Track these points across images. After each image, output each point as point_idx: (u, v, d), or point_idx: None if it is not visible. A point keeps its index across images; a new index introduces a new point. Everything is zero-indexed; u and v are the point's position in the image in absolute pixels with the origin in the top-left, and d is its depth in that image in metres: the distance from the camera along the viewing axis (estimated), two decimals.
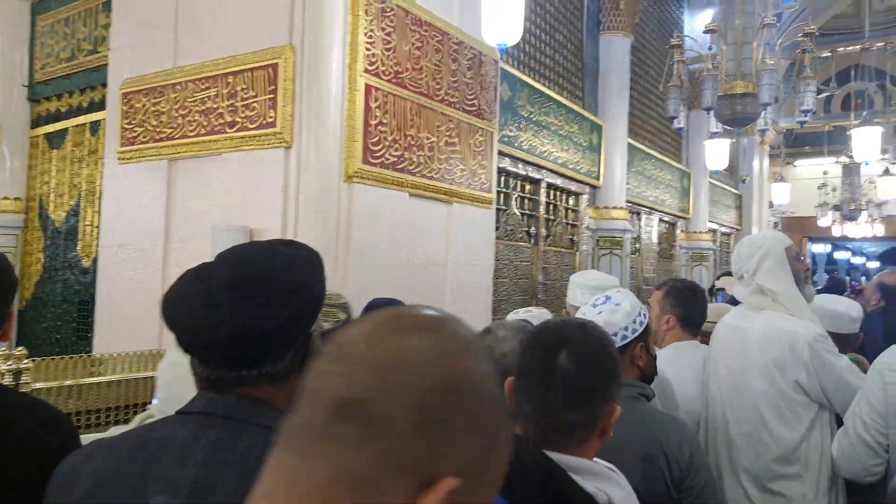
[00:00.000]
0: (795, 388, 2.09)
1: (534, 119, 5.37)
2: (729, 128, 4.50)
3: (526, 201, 5.57)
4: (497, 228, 5.11)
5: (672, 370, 2.27)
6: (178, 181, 3.82)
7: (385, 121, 3.57)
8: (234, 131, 3.53)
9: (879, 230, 14.43)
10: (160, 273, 3.82)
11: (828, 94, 9.44)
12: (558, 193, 6.05)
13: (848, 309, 2.76)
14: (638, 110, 7.59)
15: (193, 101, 3.71)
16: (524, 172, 5.38)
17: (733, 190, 11.44)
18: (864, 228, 14.37)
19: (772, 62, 4.14)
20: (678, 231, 9.15)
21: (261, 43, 3.46)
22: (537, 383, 1.17)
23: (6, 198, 5.18)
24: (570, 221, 6.25)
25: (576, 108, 6.06)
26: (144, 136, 3.92)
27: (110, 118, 4.20)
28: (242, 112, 3.51)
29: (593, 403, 1.16)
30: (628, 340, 1.77)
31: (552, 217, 5.94)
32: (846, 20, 11.96)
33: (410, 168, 3.75)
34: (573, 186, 6.17)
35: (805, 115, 4.33)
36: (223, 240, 3.38)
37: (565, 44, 6.09)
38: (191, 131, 3.70)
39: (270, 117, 3.39)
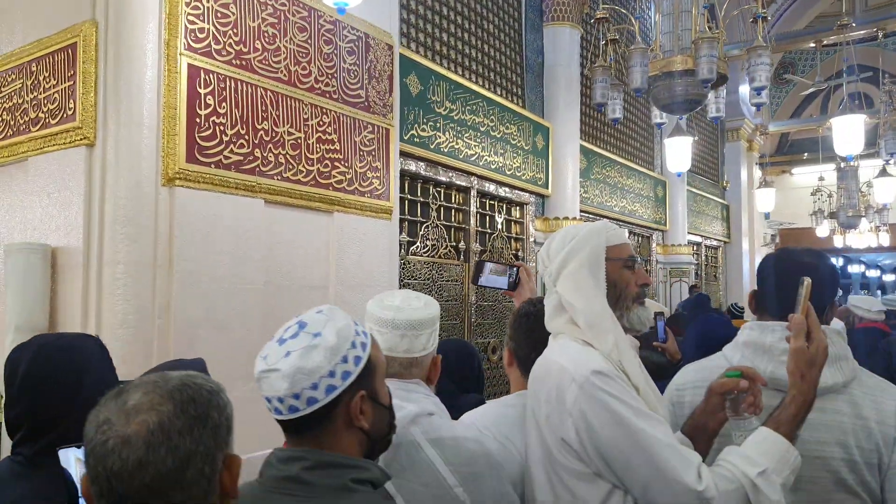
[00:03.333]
0: (564, 451, 1.37)
1: (455, 118, 4.70)
2: (668, 113, 3.81)
3: (453, 212, 4.87)
4: (413, 244, 4.41)
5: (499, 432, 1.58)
6: None
7: (222, 111, 2.90)
8: (37, 129, 2.87)
9: (885, 239, 13.60)
10: None
11: (814, 90, 8.74)
12: (495, 203, 5.35)
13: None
14: (596, 111, 6.90)
15: (2, 98, 3.06)
16: (446, 179, 4.69)
17: (719, 200, 10.71)
18: (869, 238, 13.55)
19: (714, 31, 3.45)
20: (654, 244, 8.41)
21: (63, 21, 2.81)
22: None
23: None
24: (514, 235, 5.54)
25: (512, 106, 5.38)
26: None
27: None
28: (45, 106, 2.85)
29: None
30: (339, 391, 1.10)
31: (488, 230, 5.24)
32: (831, 19, 11.32)
33: (265, 170, 3.07)
34: (514, 195, 5.47)
35: (758, 94, 3.62)
36: (15, 262, 2.70)
37: (498, 35, 5.43)
38: (1, 134, 3.05)
39: (70, 109, 2.73)
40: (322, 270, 3.38)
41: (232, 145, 2.93)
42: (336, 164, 3.42)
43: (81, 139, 2.69)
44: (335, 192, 3.41)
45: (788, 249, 1.71)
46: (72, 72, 2.73)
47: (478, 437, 1.48)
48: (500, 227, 5.35)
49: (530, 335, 1.69)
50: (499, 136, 5.19)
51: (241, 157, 2.97)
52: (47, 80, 2.84)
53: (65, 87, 2.76)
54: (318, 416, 1.09)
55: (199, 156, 2.81)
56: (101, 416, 0.86)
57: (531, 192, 5.65)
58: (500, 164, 5.19)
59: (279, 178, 3.13)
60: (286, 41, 3.19)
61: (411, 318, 1.53)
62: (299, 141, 3.23)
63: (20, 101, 2.97)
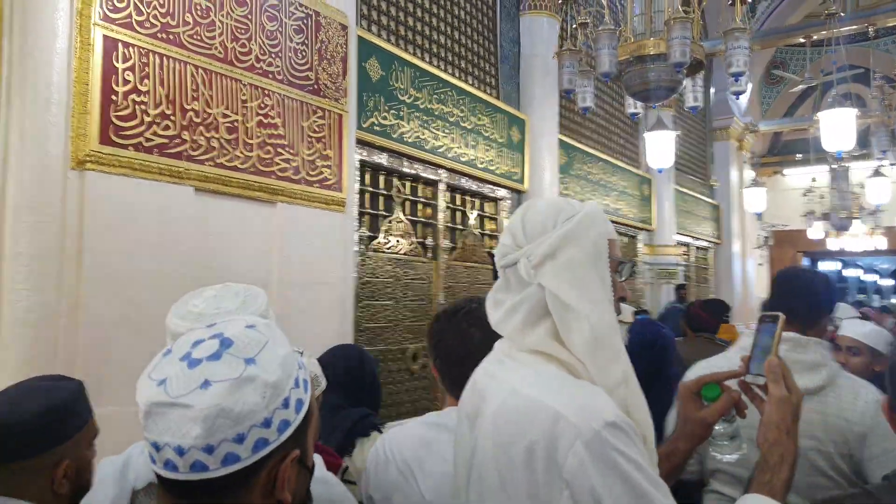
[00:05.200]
0: None
1: (421, 106, 4.43)
2: (641, 102, 3.55)
3: (419, 206, 4.60)
4: (373, 239, 4.15)
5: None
6: None
7: (144, 89, 2.63)
8: None
9: (881, 243, 13.33)
10: None
11: (804, 86, 8.51)
12: (466, 198, 5.08)
13: None
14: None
15: None
16: (412, 171, 4.43)
17: (708, 200, 10.47)
18: (864, 241, 13.29)
19: (688, 12, 3.19)
20: (639, 245, 8.16)
21: None
22: None
23: None
24: (487, 231, 5.27)
25: (485, 97, 5.12)
26: None
27: None
28: None
29: None
30: (270, 449, 0.80)
31: (459, 226, 4.97)
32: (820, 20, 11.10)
33: (195, 154, 2.80)
34: (487, 190, 5.21)
35: (736, 81, 3.36)
36: None
37: (470, 22, 5.18)
38: None
39: None
40: (264, 266, 3.11)
41: (155, 126, 2.66)
42: (280, 150, 3.15)
43: None
44: (278, 182, 3.14)
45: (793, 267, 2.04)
46: None
47: (325, 478, 1.21)
48: (472, 222, 5.08)
49: (452, 347, 1.42)
50: (470, 127, 4.92)
51: (167, 140, 2.70)
52: None
53: None
54: (232, 480, 0.78)
55: (115, 137, 2.54)
56: None
57: (506, 188, 5.38)
58: (472, 157, 4.93)
59: (212, 163, 2.86)
60: (222, 15, 2.93)
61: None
62: (236, 124, 2.96)
63: None
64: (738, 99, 9.00)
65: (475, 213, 5.14)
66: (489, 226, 5.32)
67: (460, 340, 1.42)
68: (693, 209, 9.74)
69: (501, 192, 5.36)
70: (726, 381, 1.22)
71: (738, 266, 10.84)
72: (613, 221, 7.26)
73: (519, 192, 5.53)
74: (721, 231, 10.79)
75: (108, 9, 2.52)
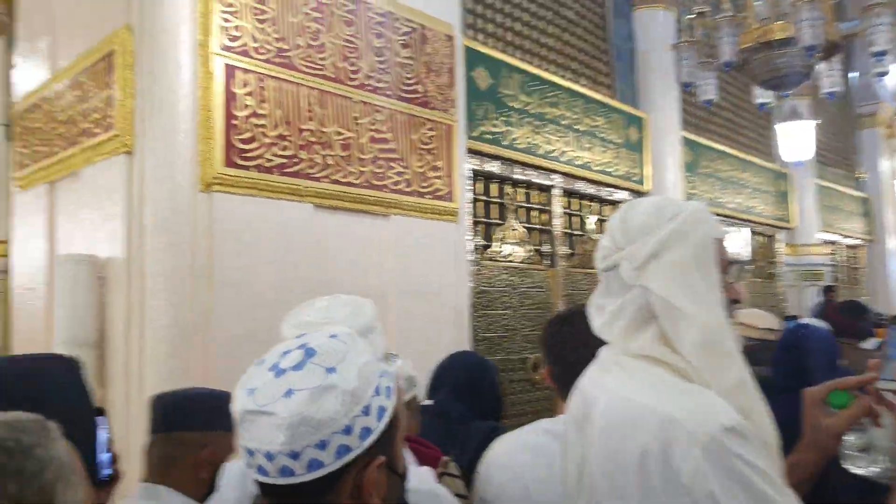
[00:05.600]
0: None
1: (532, 112, 4.37)
2: (771, 91, 3.28)
3: (534, 213, 4.53)
4: (487, 247, 4.12)
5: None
6: (53, 206, 3.19)
7: (263, 112, 2.76)
8: (86, 140, 2.86)
9: None
10: None
11: None
12: (583, 202, 4.93)
13: None
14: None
15: (56, 112, 3.10)
16: (524, 177, 4.36)
17: (857, 193, 9.57)
18: None
19: None
20: (778, 244, 7.58)
21: (103, 30, 2.79)
22: None
23: None
24: None
25: (599, 97, 4.96)
26: (28, 160, 3.36)
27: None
28: (91, 116, 2.84)
29: None
30: (353, 455, 0.81)
31: (577, 232, 4.83)
32: None
33: (312, 172, 2.90)
34: (605, 193, 5.03)
35: (879, 61, 3.02)
36: (63, 274, 2.69)
37: (580, 22, 5.04)
38: (60, 147, 3.08)
39: (110, 118, 2.69)
40: (379, 278, 3.16)
41: (274, 147, 2.78)
42: (391, 164, 3.20)
43: (121, 147, 2.63)
44: (392, 194, 3.19)
45: None
46: (111, 80, 2.70)
47: (435, 491, 1.18)
48: (590, 227, 4.93)
49: (570, 349, 1.36)
50: (584, 129, 4.79)
51: (285, 160, 2.81)
52: (92, 90, 2.83)
53: (106, 96, 2.73)
54: (318, 486, 0.80)
55: (238, 159, 2.68)
56: None
57: (626, 189, 5.18)
58: (588, 160, 4.79)
59: (328, 180, 2.95)
60: (331, 36, 3.02)
61: None
62: (349, 141, 3.04)
63: (73, 114, 2.98)
64: (883, 81, 8.17)
65: (593, 217, 4.98)
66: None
67: (575, 345, 1.36)
68: (839, 204, 8.94)
69: (621, 195, 5.16)
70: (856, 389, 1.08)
71: (893, 265, 9.81)
72: (747, 220, 6.82)
73: (640, 193, 5.30)
74: (873, 227, 9.82)
75: (227, 38, 2.67)
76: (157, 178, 2.57)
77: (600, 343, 1.13)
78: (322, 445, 0.79)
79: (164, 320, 2.52)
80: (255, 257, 2.70)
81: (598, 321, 1.09)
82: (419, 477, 1.17)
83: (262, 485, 0.83)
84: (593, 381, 1.09)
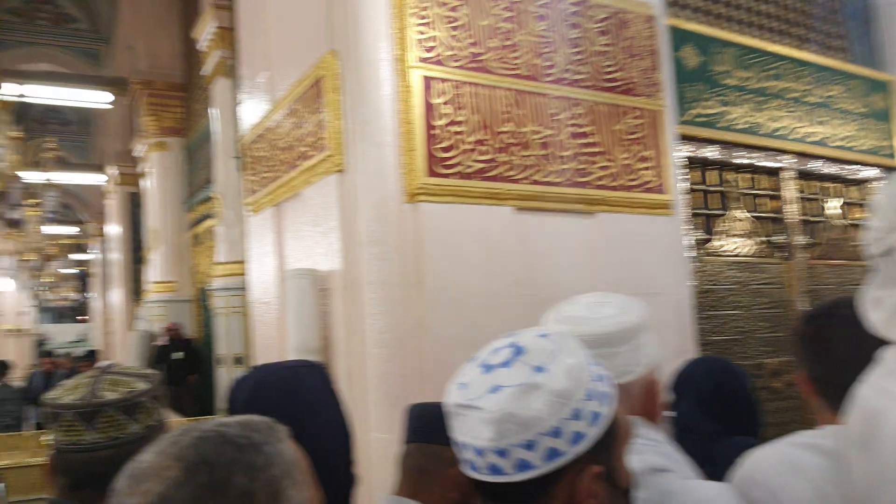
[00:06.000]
0: None
1: (751, 88, 3.92)
2: None
3: (762, 200, 4.05)
4: (708, 241, 3.75)
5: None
6: (280, 226, 3.48)
7: (460, 118, 2.76)
8: (303, 163, 3.09)
9: None
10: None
11: None
12: (822, 184, 4.32)
13: None
14: None
15: (277, 140, 3.39)
16: (747, 161, 3.92)
17: None
18: None
19: None
20: None
21: (312, 57, 2.99)
22: None
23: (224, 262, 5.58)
24: (854, 220, 4.41)
25: (832, 63, 4.32)
26: (257, 185, 3.72)
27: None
28: (306, 140, 3.06)
29: None
30: (564, 460, 0.79)
31: (817, 218, 4.24)
32: None
33: (511, 175, 2.84)
34: (848, 172, 4.37)
35: None
36: (290, 288, 2.91)
37: None
38: (282, 171, 3.36)
39: (322, 139, 2.87)
40: (587, 278, 3.00)
41: (473, 153, 2.77)
42: (594, 158, 3.04)
43: (333, 167, 2.79)
44: (596, 191, 3.03)
45: None
46: (320, 104, 2.87)
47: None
48: (833, 212, 4.30)
49: (837, 349, 1.12)
50: (816, 101, 4.20)
51: (484, 165, 2.79)
52: (306, 115, 3.04)
53: (317, 120, 2.91)
54: (529, 488, 0.79)
55: (439, 168, 2.70)
56: (119, 482, 0.67)
57: (874, 166, 4.45)
58: (823, 136, 4.19)
59: (528, 181, 2.87)
60: (524, 34, 2.95)
61: (600, 330, 1.14)
62: (548, 139, 2.94)
63: (291, 140, 3.23)
64: None
65: (837, 200, 4.34)
66: (856, 214, 4.45)
67: (844, 345, 1.13)
68: None
69: (868, 172, 4.45)
70: None
71: None
72: None
73: (892, 169, 4.53)
74: None
75: (422, 51, 2.72)
76: (366, 193, 2.68)
77: (879, 342, 0.92)
78: (529, 446, 0.77)
79: (379, 326, 2.61)
80: (461, 263, 2.69)
81: (877, 316, 0.89)
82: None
83: (475, 482, 0.83)
84: (878, 389, 0.88)
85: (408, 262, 2.64)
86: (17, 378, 9.35)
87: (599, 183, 3.04)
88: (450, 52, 2.78)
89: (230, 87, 5.77)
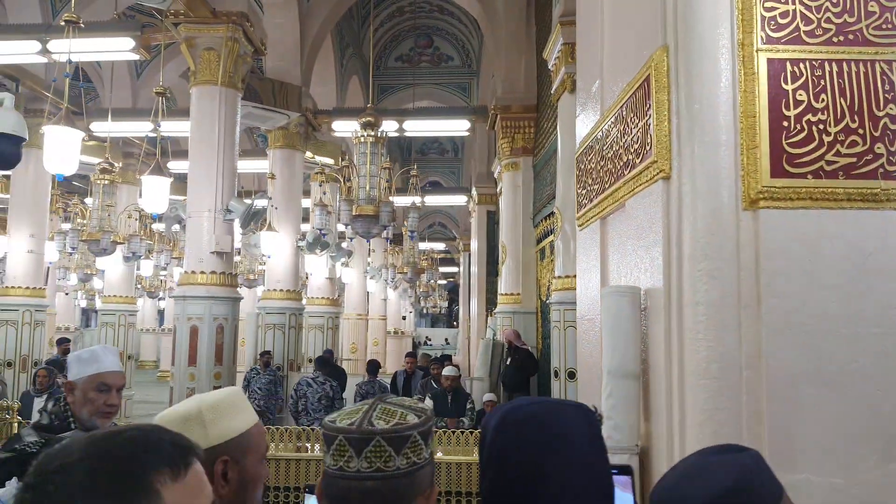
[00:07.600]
0: None
1: None
2: None
3: None
4: None
5: None
6: (604, 240, 3.29)
7: (820, 105, 2.25)
8: (628, 172, 2.85)
9: None
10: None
11: None
12: None
13: None
14: None
15: (604, 150, 3.20)
16: None
17: None
18: None
19: None
20: None
21: (642, 57, 2.74)
22: None
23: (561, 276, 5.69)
24: None
25: None
26: (584, 199, 3.58)
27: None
28: (631, 147, 2.82)
29: None
30: None
31: None
32: None
33: (893, 171, 2.22)
34: None
35: None
36: (607, 306, 2.72)
37: None
38: (608, 183, 3.17)
39: (647, 144, 2.61)
40: None
41: (838, 145, 2.23)
42: None
43: (658, 173, 2.50)
44: None
45: None
46: (647, 106, 2.61)
47: None
48: None
49: None
50: None
51: (854, 159, 2.22)
52: (632, 120, 2.80)
53: (643, 124, 2.65)
54: None
55: (789, 167, 2.23)
56: None
57: None
58: None
59: None
60: None
61: None
62: None
63: (617, 149, 3.01)
64: None
65: None
66: None
67: None
68: None
69: None
70: None
71: None
72: None
73: None
74: None
75: (770, 29, 2.28)
76: (695, 200, 2.34)
77: None
78: None
79: (706, 354, 2.24)
80: (812, 282, 2.18)
81: None
82: None
83: None
84: None
85: (744, 280, 2.23)
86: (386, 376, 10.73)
87: None
88: (809, 27, 2.28)
89: (573, 103, 5.82)
